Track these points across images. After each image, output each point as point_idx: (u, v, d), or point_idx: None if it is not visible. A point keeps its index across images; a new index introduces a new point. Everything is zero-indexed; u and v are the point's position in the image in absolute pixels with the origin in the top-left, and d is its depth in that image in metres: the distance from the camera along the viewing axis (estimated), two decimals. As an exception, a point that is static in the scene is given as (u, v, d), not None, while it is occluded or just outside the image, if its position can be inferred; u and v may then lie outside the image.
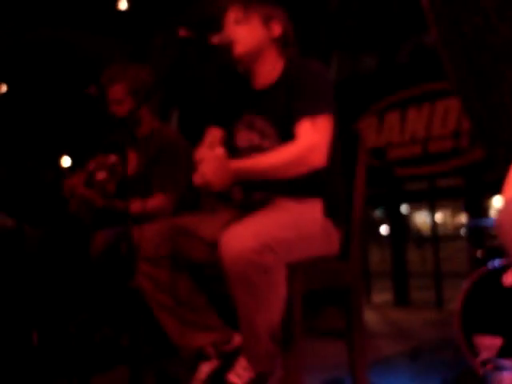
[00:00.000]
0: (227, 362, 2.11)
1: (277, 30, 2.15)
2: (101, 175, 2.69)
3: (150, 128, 2.94)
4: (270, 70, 2.18)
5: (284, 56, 2.19)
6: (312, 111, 2.02)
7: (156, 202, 2.76)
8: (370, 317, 4.74)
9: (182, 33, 2.03)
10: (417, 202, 10.77)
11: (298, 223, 2.00)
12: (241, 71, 2.23)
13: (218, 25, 2.18)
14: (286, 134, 2.08)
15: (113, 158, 2.69)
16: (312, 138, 1.99)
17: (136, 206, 2.40)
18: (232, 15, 2.14)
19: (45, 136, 5.82)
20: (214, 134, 2.24)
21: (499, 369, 2.26)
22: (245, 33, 2.11)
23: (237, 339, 2.19)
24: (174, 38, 2.10)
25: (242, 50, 2.12)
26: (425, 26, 4.14)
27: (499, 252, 2.78)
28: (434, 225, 6.42)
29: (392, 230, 5.49)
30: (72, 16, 5.93)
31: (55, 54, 6.05)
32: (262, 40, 2.13)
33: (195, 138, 2.45)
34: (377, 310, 5.08)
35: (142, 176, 2.84)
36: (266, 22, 2.13)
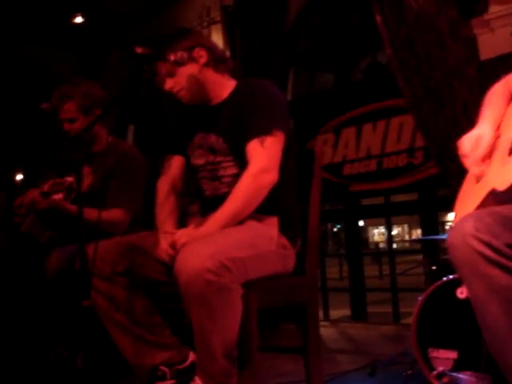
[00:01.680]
0: (182, 381, 2.09)
1: (203, 55, 2.20)
2: (57, 196, 2.66)
3: (105, 144, 2.91)
4: (220, 90, 2.23)
5: (226, 72, 2.24)
6: (262, 131, 2.07)
7: (112, 215, 2.73)
8: (328, 332, 4.75)
9: (139, 50, 2.05)
10: (374, 218, 10.92)
11: (255, 241, 2.00)
12: None
13: (174, 41, 2.19)
14: (238, 149, 2.13)
15: (69, 180, 2.66)
16: (262, 160, 2.05)
17: (91, 213, 2.36)
18: (163, 69, 2.18)
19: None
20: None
21: (455, 382, 2.28)
22: (179, 82, 2.18)
23: (191, 357, 2.18)
24: (130, 54, 2.11)
25: (185, 96, 2.20)
26: (380, 44, 4.22)
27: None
28: (391, 239, 6.50)
29: (349, 244, 5.53)
30: (26, 29, 5.85)
31: (8, 68, 5.95)
32: (196, 76, 2.19)
33: (151, 153, 2.44)
34: (335, 326, 5.10)
35: (98, 191, 2.80)
36: (191, 55, 2.17)
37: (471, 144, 1.71)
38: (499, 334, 1.38)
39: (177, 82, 2.18)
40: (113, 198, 2.78)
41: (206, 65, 2.19)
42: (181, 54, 2.14)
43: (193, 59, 2.17)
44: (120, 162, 2.84)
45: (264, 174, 2.04)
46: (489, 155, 1.68)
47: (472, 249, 1.37)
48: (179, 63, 2.14)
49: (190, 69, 2.17)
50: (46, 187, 2.71)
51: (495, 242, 1.35)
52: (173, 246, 1.99)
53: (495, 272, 1.36)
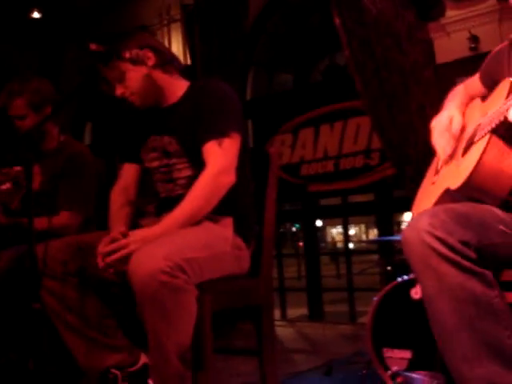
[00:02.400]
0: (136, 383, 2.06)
1: (150, 56, 2.16)
2: (4, 186, 2.60)
3: (57, 142, 2.86)
4: (172, 91, 2.21)
5: (175, 71, 2.22)
6: (218, 133, 2.05)
7: (62, 219, 2.68)
8: (285, 332, 4.76)
9: (93, 46, 2.02)
10: (331, 217, 11.01)
11: (209, 242, 1.99)
12: None
13: (127, 39, 2.16)
14: (192, 150, 2.11)
15: (17, 169, 2.60)
16: (220, 161, 2.03)
17: (41, 222, 2.31)
18: (112, 75, 2.15)
19: None
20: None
21: (409, 382, 2.30)
22: (129, 86, 2.14)
23: (143, 359, 2.16)
24: (85, 51, 2.08)
25: (137, 100, 2.17)
26: (339, 45, 4.25)
27: (408, 266, 2.86)
28: (347, 239, 6.56)
29: (306, 244, 5.56)
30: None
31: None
32: (145, 78, 2.15)
33: (108, 151, 2.41)
34: (292, 325, 5.12)
35: (48, 191, 2.75)
36: (137, 60, 2.13)
37: (445, 124, 1.72)
38: (447, 330, 1.40)
39: (127, 87, 2.15)
40: (62, 200, 2.73)
41: (155, 66, 2.16)
42: (136, 52, 2.11)
43: (141, 61, 2.14)
44: (70, 162, 2.79)
45: (222, 175, 2.02)
46: (459, 137, 1.69)
47: (426, 245, 1.38)
48: (133, 61, 2.10)
49: (139, 71, 2.14)
50: None
51: (449, 239, 1.36)
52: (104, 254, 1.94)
53: (447, 269, 1.37)
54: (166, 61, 2.20)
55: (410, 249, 1.43)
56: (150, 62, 2.15)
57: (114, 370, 2.12)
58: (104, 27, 5.79)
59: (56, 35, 6.35)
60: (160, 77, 2.18)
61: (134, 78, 2.13)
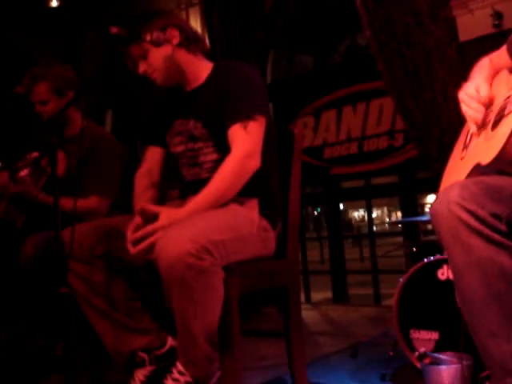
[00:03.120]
0: (163, 366, 2.07)
1: (175, 35, 2.15)
2: (23, 172, 2.61)
3: (80, 128, 2.87)
4: (196, 73, 2.20)
5: (203, 56, 2.21)
6: (244, 116, 2.05)
7: (89, 203, 2.69)
8: (310, 315, 4.76)
9: (114, 30, 2.00)
10: (354, 200, 10.97)
11: (235, 225, 1.99)
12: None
13: (149, 21, 2.15)
14: (218, 133, 2.11)
15: (35, 154, 2.62)
16: (245, 145, 2.03)
17: (66, 201, 2.32)
18: (136, 51, 2.14)
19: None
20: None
21: (436, 363, 2.29)
22: (153, 63, 2.13)
23: (170, 342, 2.17)
24: (105, 35, 2.07)
25: (160, 78, 2.16)
26: (359, 25, 4.19)
27: (434, 247, 2.83)
28: (371, 222, 6.52)
29: (330, 228, 5.54)
30: (2, 13, 5.73)
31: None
32: (169, 57, 2.14)
33: (129, 138, 2.41)
34: (316, 308, 5.12)
35: (73, 177, 2.76)
36: (163, 36, 2.12)
37: (472, 93, 1.68)
38: (475, 304, 1.38)
39: (150, 65, 2.14)
40: (89, 186, 2.74)
41: (179, 45, 2.16)
42: (157, 34, 2.10)
43: (166, 40, 2.13)
44: (94, 148, 2.80)
45: (248, 159, 2.02)
46: (488, 110, 1.66)
47: (456, 217, 1.35)
48: (155, 43, 2.09)
49: (163, 50, 2.13)
50: (14, 167, 2.67)
51: (480, 212, 1.34)
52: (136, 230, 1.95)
53: (477, 242, 1.35)
54: (191, 40, 2.19)
55: (439, 221, 1.41)
56: (175, 41, 2.15)
57: (141, 353, 2.13)
58: (122, 11, 5.77)
59: (75, 22, 6.36)
60: (184, 56, 2.17)
61: (157, 56, 2.13)
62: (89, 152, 2.79)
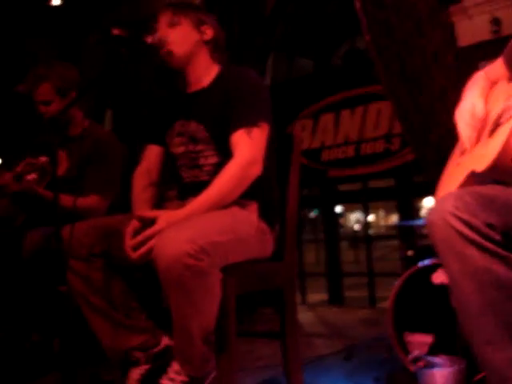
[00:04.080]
0: (158, 365, 2.09)
1: (208, 33, 2.20)
2: (30, 176, 2.61)
3: (82, 128, 2.88)
4: (202, 73, 2.21)
5: (216, 61, 2.23)
6: (248, 122, 2.05)
7: (89, 201, 2.70)
8: (305, 316, 4.78)
9: (116, 31, 2.02)
10: (351, 203, 10.98)
11: (234, 226, 1.99)
12: (174, 73, 2.23)
13: (152, 24, 2.17)
14: (220, 137, 2.11)
15: (43, 160, 2.62)
16: (249, 151, 2.03)
17: (66, 199, 2.34)
18: (165, 17, 2.16)
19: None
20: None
21: (430, 366, 2.31)
22: (178, 35, 2.15)
23: (165, 341, 2.19)
24: (107, 36, 2.08)
25: (176, 52, 2.15)
26: (359, 29, 4.21)
27: (429, 251, 2.85)
28: (367, 225, 6.55)
29: (326, 230, 5.56)
30: (2, 12, 5.74)
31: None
32: (194, 42, 2.17)
33: (129, 139, 2.42)
34: (312, 310, 5.14)
35: (74, 177, 2.77)
36: (198, 25, 2.18)
37: (469, 112, 1.70)
38: (471, 313, 1.40)
39: (173, 34, 2.14)
40: (90, 185, 2.75)
41: (207, 43, 2.20)
42: (198, 17, 2.17)
43: (200, 31, 2.18)
44: (96, 148, 2.80)
45: (251, 166, 2.02)
46: (483, 126, 1.68)
47: (451, 227, 1.37)
48: (192, 22, 2.15)
49: (193, 33, 2.17)
50: (19, 168, 2.67)
51: (474, 221, 1.35)
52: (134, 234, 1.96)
53: (472, 251, 1.36)
54: (218, 48, 2.23)
55: (434, 231, 1.43)
56: (206, 37, 2.19)
57: (137, 352, 2.15)
58: (123, 13, 5.78)
59: (75, 23, 6.37)
60: (203, 55, 2.20)
61: (185, 33, 2.16)
62: (90, 152, 2.80)
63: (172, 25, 2.15)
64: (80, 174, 2.78)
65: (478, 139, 1.69)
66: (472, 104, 1.71)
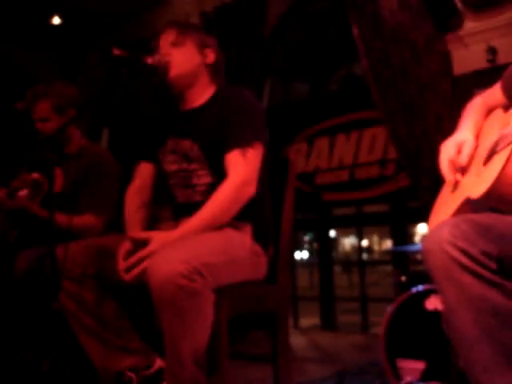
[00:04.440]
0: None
1: (211, 57, 2.21)
2: (22, 192, 2.62)
3: (78, 146, 2.89)
4: (199, 94, 2.22)
5: (214, 83, 2.24)
6: (243, 142, 2.05)
7: (85, 220, 2.70)
8: (298, 341, 4.76)
9: (116, 51, 2.03)
10: (345, 227, 10.99)
11: (228, 248, 1.99)
12: (171, 93, 2.24)
13: (152, 45, 2.19)
14: (214, 157, 2.11)
15: (35, 175, 2.63)
16: (243, 172, 2.03)
17: (61, 218, 2.33)
18: (168, 37, 2.17)
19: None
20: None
21: (421, 392, 2.30)
22: (180, 56, 2.15)
23: (158, 363, 2.17)
24: (107, 56, 2.09)
25: (177, 73, 2.15)
26: (356, 55, 4.26)
27: (422, 277, 2.86)
28: (361, 250, 6.54)
29: (320, 254, 5.55)
30: (3, 29, 5.78)
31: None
32: (196, 64, 2.18)
33: (125, 157, 2.42)
34: (304, 334, 5.11)
35: (69, 194, 2.77)
36: (201, 48, 2.19)
37: (455, 149, 1.72)
38: (467, 342, 1.39)
39: (175, 54, 2.14)
40: (85, 203, 2.74)
41: (208, 66, 2.21)
42: (202, 39, 2.19)
43: (203, 53, 2.19)
44: (93, 166, 2.81)
45: (245, 187, 2.02)
46: (469, 162, 1.70)
47: (447, 255, 1.38)
48: (194, 43, 2.16)
49: (195, 55, 2.18)
50: (12, 184, 2.67)
51: (471, 250, 1.36)
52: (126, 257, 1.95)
53: (469, 280, 1.36)
54: (218, 72, 2.25)
55: (431, 259, 1.43)
56: (208, 61, 2.20)
57: (129, 373, 2.13)
58: (123, 34, 5.83)
59: (75, 41, 6.41)
60: (203, 76, 2.21)
61: (187, 53, 2.16)
62: (87, 170, 2.80)
63: (176, 44, 2.15)
64: (75, 192, 2.77)
65: (467, 168, 1.70)
66: (461, 142, 1.73)
